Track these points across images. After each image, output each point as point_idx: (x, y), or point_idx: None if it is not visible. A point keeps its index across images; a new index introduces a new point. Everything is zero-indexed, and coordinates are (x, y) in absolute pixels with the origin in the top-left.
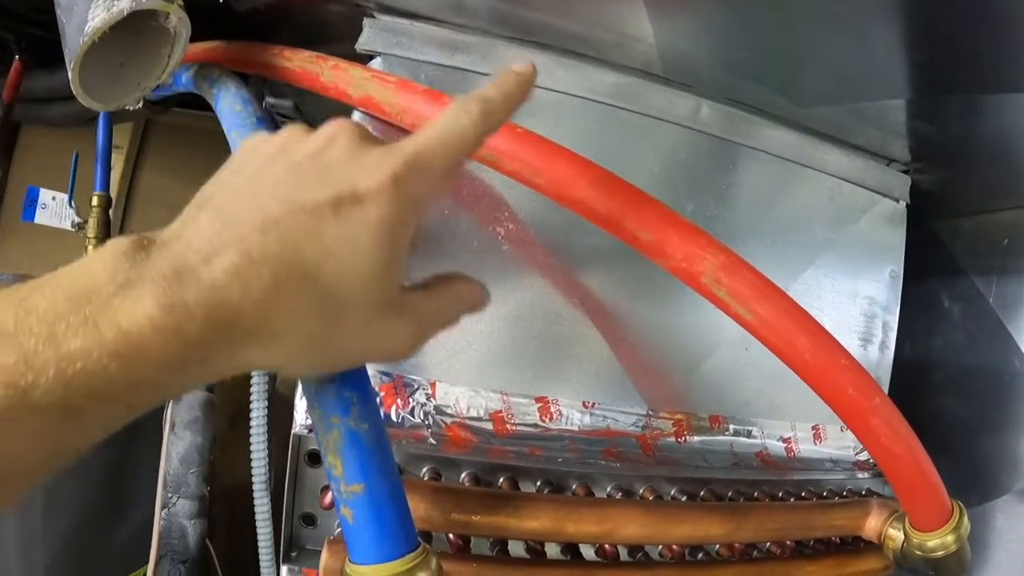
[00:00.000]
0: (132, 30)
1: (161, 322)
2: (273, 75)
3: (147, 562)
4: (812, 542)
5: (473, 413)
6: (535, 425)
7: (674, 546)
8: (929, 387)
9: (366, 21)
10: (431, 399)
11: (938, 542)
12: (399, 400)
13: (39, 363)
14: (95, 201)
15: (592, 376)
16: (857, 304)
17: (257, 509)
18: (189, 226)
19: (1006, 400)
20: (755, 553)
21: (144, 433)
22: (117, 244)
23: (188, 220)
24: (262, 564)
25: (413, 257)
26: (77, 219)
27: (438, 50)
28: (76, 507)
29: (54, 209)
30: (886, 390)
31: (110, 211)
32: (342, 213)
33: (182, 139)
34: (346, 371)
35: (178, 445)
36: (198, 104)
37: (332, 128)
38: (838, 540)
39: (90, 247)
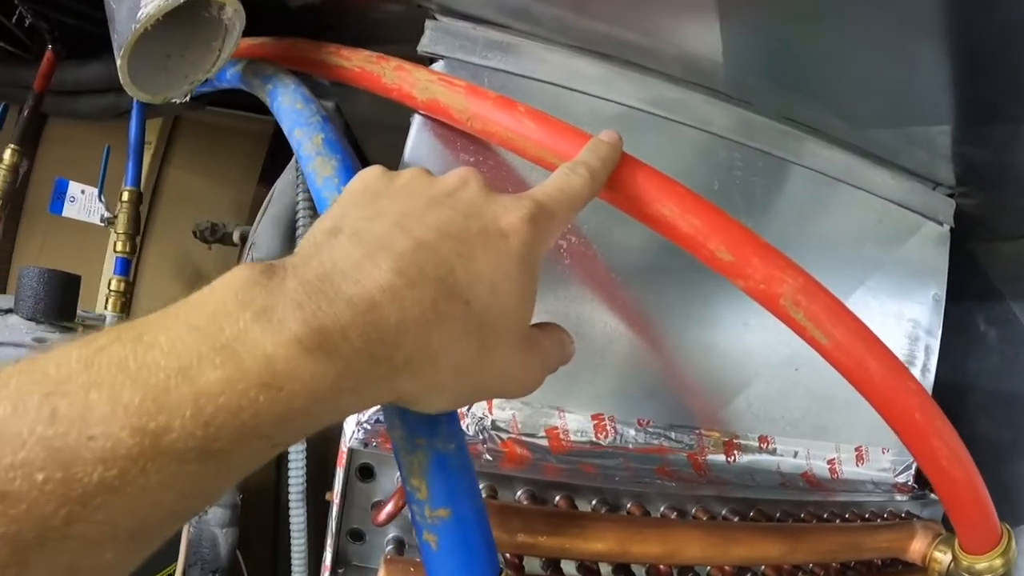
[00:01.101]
0: (183, 20)
1: (312, 344)
2: (329, 75)
3: (169, 562)
4: (853, 563)
5: (529, 429)
6: (590, 442)
7: (725, 567)
8: (963, 410)
9: (428, 23)
10: (488, 414)
11: (986, 565)
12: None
13: (173, 401)
14: (125, 196)
15: (645, 394)
16: (902, 327)
17: (292, 522)
18: (327, 250)
19: None
20: (800, 574)
21: None
22: (239, 272)
23: (322, 245)
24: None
25: None
26: (107, 214)
27: (501, 55)
28: None
29: (83, 203)
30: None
31: (140, 207)
32: (490, 243)
33: (210, 136)
34: None
35: None
36: (228, 102)
37: (462, 172)
38: (879, 562)
39: (118, 243)
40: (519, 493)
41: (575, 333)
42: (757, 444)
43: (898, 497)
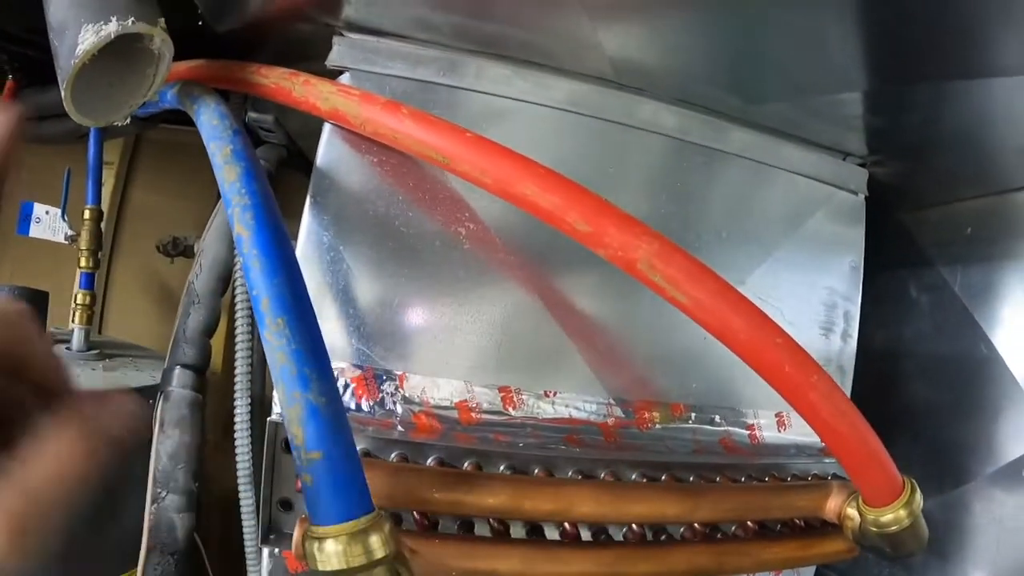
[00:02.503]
0: (119, 52)
1: None
2: (251, 91)
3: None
4: (779, 526)
5: (439, 402)
6: (499, 413)
7: (634, 526)
8: (901, 377)
9: (335, 39)
10: (399, 389)
11: (891, 517)
12: (368, 391)
13: None
14: (87, 214)
15: (552, 366)
16: (817, 294)
17: (242, 500)
18: None
19: (975, 386)
20: (718, 536)
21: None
22: None
23: None
24: (247, 551)
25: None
26: (70, 232)
27: (403, 64)
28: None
29: (47, 223)
30: (851, 376)
31: (102, 224)
32: None
33: (171, 155)
34: (307, 351)
35: (166, 443)
36: (185, 120)
37: None
38: (803, 523)
39: (82, 258)
40: (430, 460)
41: (478, 311)
42: (670, 412)
43: (825, 460)
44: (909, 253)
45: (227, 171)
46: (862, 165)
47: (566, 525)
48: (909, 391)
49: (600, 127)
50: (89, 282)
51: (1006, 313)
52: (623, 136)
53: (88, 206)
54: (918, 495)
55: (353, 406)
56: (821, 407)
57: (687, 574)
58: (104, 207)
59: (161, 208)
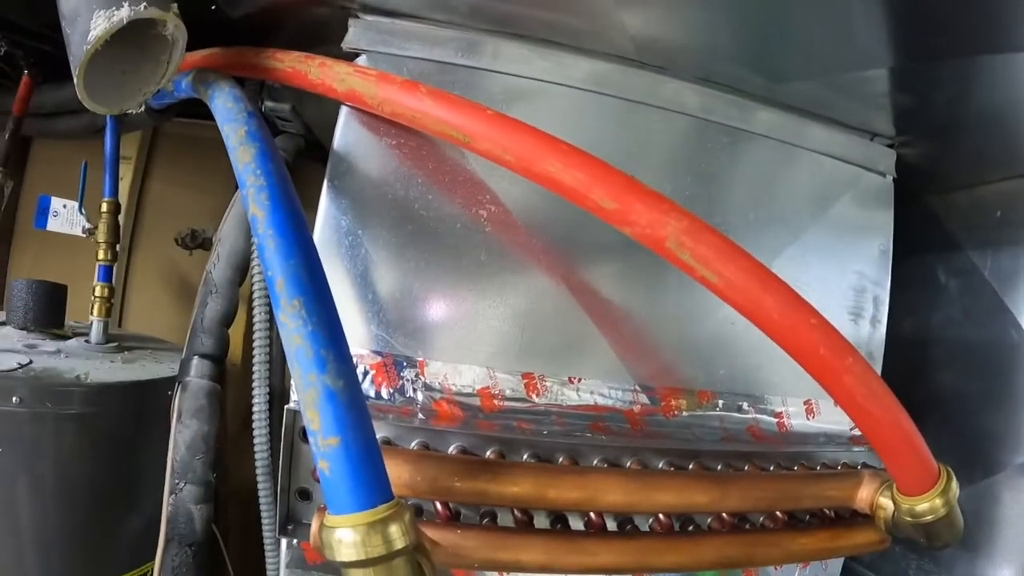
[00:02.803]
0: (133, 39)
1: None
2: (267, 76)
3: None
4: (808, 517)
5: (461, 389)
6: (522, 400)
7: (661, 516)
8: (930, 363)
9: (351, 21)
10: (420, 376)
11: (927, 506)
12: (388, 377)
13: None
14: (105, 207)
15: (577, 352)
16: (846, 279)
17: (260, 490)
18: None
19: (1005, 373)
20: (747, 526)
21: (153, 425)
22: None
23: None
24: (265, 541)
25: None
26: (88, 225)
27: (419, 45)
28: (89, 498)
29: (65, 216)
30: (880, 363)
31: (119, 217)
32: None
33: (188, 149)
34: (325, 332)
35: (184, 433)
36: (203, 114)
37: None
38: (833, 514)
39: (100, 251)
40: (451, 448)
41: (500, 296)
42: (697, 399)
43: (855, 449)
44: (937, 237)
45: (241, 152)
46: (890, 146)
47: (591, 515)
48: (938, 378)
49: (622, 107)
50: (107, 275)
51: None
52: (646, 116)
53: (106, 199)
54: (955, 483)
55: (373, 393)
56: (856, 390)
57: (716, 565)
58: (122, 202)
59: (179, 201)
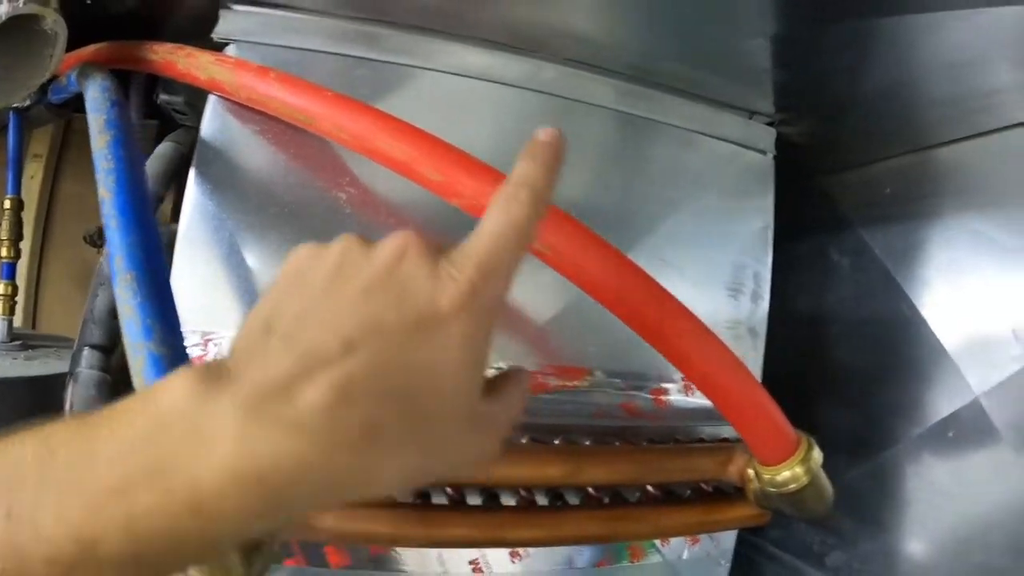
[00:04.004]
0: (14, 35)
1: (243, 471)
2: (145, 68)
3: None
4: (688, 492)
5: None
6: None
7: (522, 491)
8: (825, 344)
9: (222, 12)
10: None
11: (788, 475)
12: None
13: (108, 519)
14: (7, 204)
15: None
16: (725, 256)
17: None
18: (259, 357)
19: (899, 347)
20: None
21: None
22: (177, 385)
23: (255, 347)
24: None
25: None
26: None
27: (285, 34)
28: None
29: None
30: (763, 339)
31: (22, 213)
32: (428, 334)
33: None
34: (153, 304)
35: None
36: None
37: (397, 242)
38: (712, 489)
39: (2, 248)
40: None
41: None
42: (568, 376)
43: None
44: (830, 217)
45: (99, 139)
46: (771, 124)
47: (448, 489)
48: (834, 358)
49: (498, 92)
50: (11, 272)
51: (928, 273)
52: (519, 98)
53: (8, 196)
54: (816, 452)
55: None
56: (696, 356)
57: (577, 540)
58: (32, 201)
59: (92, 200)
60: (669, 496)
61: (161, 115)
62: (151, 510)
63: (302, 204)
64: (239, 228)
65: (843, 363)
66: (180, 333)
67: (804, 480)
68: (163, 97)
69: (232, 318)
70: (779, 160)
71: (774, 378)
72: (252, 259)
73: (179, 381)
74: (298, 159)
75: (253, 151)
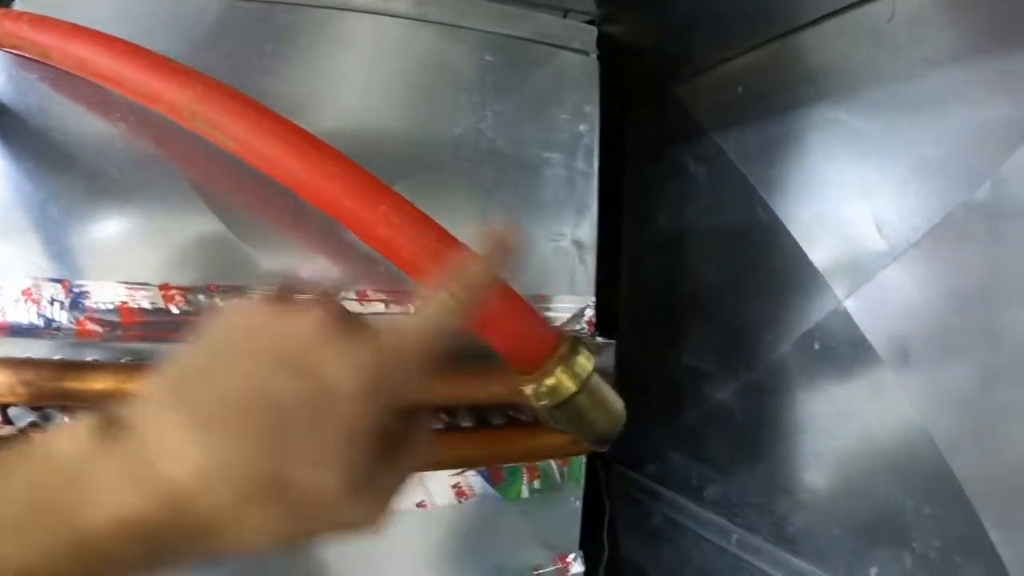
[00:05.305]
0: None
1: (122, 520)
2: None
3: None
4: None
5: (100, 306)
6: (162, 312)
7: None
8: (687, 259)
9: None
10: (65, 297)
11: (551, 382)
12: (37, 302)
13: (2, 553)
14: None
15: (220, 260)
16: (544, 164)
17: None
18: (158, 414)
19: (759, 257)
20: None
21: None
22: (86, 427)
23: (159, 404)
24: None
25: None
26: None
27: None
28: None
29: None
30: (593, 251)
31: None
32: (320, 413)
33: None
34: None
35: None
36: None
37: (315, 313)
38: (521, 417)
39: None
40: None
41: (137, 211)
42: (356, 299)
43: None
44: (686, 129)
45: None
46: (590, 22)
47: None
48: (697, 273)
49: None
50: None
51: (784, 172)
52: (286, 14)
53: None
54: (582, 354)
55: (25, 320)
56: (398, 242)
57: None
58: None
59: None
60: (482, 425)
61: None
62: (43, 549)
63: (78, 145)
64: (20, 175)
65: (707, 279)
66: None
67: (571, 387)
68: None
69: (19, 264)
70: (630, 73)
71: (641, 303)
72: (33, 205)
73: (78, 431)
74: (74, 100)
75: (31, 98)
